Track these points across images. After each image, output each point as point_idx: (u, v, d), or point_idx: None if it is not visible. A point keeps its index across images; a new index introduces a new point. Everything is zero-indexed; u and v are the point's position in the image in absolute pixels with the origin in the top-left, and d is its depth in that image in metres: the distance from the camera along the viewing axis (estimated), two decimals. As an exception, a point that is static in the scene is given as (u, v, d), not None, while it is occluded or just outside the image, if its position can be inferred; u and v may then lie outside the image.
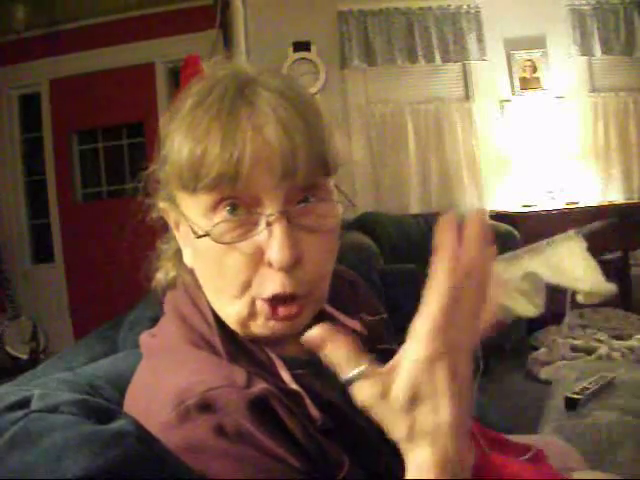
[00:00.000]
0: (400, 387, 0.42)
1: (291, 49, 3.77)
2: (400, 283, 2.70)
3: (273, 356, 0.57)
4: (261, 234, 0.53)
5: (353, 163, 3.86)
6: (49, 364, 0.93)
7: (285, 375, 0.56)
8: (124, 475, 0.37)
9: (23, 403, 0.40)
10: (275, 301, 0.54)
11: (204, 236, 0.53)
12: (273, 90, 0.54)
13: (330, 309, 0.68)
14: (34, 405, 0.40)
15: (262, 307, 0.55)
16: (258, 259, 0.53)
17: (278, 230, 0.52)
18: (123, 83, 4.12)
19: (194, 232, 0.54)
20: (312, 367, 0.61)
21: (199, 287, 0.60)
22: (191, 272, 0.61)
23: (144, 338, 0.63)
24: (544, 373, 2.68)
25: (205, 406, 0.49)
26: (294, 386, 0.54)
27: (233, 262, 0.53)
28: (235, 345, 0.57)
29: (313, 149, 0.53)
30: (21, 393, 0.41)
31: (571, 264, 0.59)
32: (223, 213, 0.53)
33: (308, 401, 0.54)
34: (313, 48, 3.79)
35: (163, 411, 0.49)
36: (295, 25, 3.78)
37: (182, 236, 0.60)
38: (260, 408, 0.49)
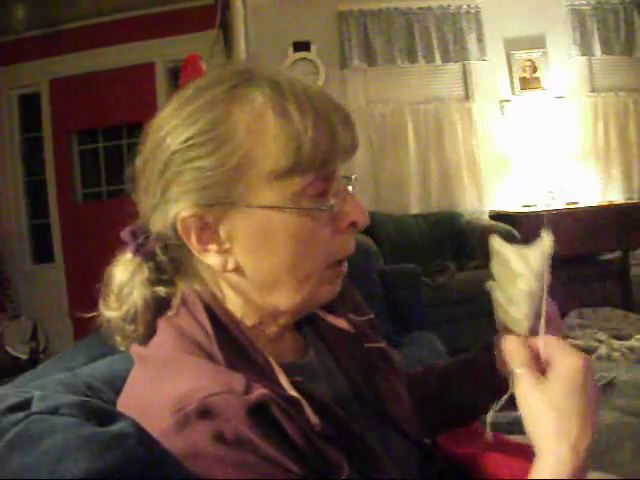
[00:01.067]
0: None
1: (291, 49, 3.77)
2: (400, 283, 2.70)
3: (272, 362, 0.57)
4: (338, 204, 0.58)
5: (353, 163, 3.86)
6: (49, 364, 0.92)
7: (284, 381, 0.56)
8: (124, 477, 0.37)
9: (23, 405, 0.40)
10: (338, 264, 0.61)
11: (327, 210, 0.57)
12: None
13: (318, 310, 0.68)
14: (35, 407, 0.40)
15: (330, 273, 0.60)
16: (337, 227, 0.59)
17: (351, 197, 0.60)
18: (123, 83, 4.12)
19: (304, 210, 0.56)
20: (307, 371, 0.61)
21: (203, 297, 0.59)
22: (201, 280, 0.60)
23: (134, 347, 0.60)
24: (544, 373, 2.67)
25: (204, 412, 0.48)
26: (293, 393, 0.54)
27: (324, 235, 0.58)
28: (234, 352, 0.56)
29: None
30: (21, 395, 0.41)
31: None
32: (314, 192, 0.56)
33: (307, 407, 0.54)
34: (313, 48, 3.79)
35: (162, 418, 0.49)
36: (295, 25, 3.78)
37: (224, 239, 0.57)
38: (259, 414, 0.49)
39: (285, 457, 0.48)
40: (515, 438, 0.89)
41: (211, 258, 0.58)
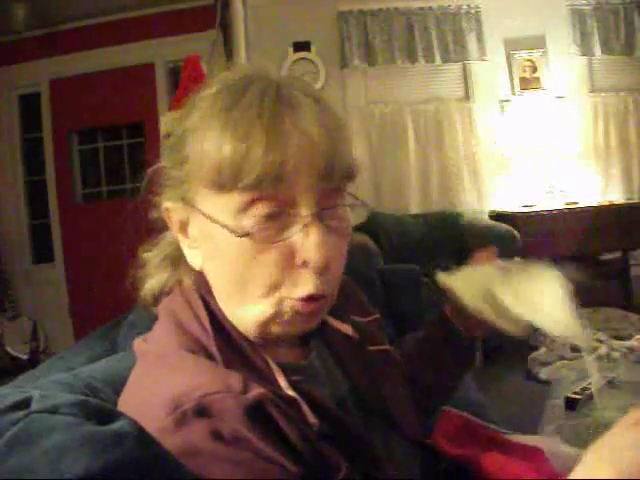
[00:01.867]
0: None
1: (291, 49, 3.77)
2: (400, 283, 2.70)
3: (270, 362, 0.57)
4: (296, 235, 0.53)
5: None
6: (49, 364, 0.92)
7: (282, 381, 0.56)
8: (124, 476, 0.37)
9: (23, 404, 0.40)
10: (302, 301, 0.55)
11: (244, 236, 0.53)
12: (309, 95, 0.56)
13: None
14: (34, 406, 0.40)
15: (291, 306, 0.55)
16: (290, 260, 0.54)
17: (315, 231, 0.53)
18: (123, 83, 4.12)
19: (233, 231, 0.53)
20: (308, 373, 0.61)
21: (201, 291, 0.60)
22: (194, 275, 0.61)
23: (138, 343, 0.62)
24: (544, 373, 2.67)
25: (201, 411, 0.48)
26: (291, 392, 0.54)
27: (266, 262, 0.53)
28: (232, 351, 0.56)
29: (345, 153, 0.56)
30: (21, 394, 0.41)
31: (546, 302, 0.58)
32: (257, 213, 0.53)
33: (305, 407, 0.54)
34: (313, 48, 3.79)
35: (159, 416, 0.49)
36: (295, 25, 3.78)
37: (192, 237, 0.59)
38: (257, 413, 0.49)
39: (282, 455, 0.48)
40: (515, 438, 0.89)
41: (187, 252, 0.60)
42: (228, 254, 0.55)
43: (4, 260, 4.21)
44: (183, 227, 0.60)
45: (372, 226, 3.42)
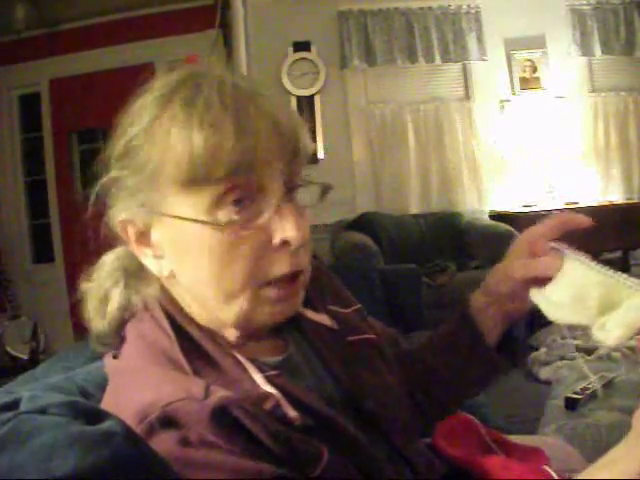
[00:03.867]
0: None
1: (291, 49, 3.77)
2: (400, 283, 2.70)
3: (244, 360, 0.57)
4: (271, 219, 0.54)
5: (353, 163, 3.86)
6: (49, 364, 0.92)
7: (258, 378, 0.55)
8: (113, 474, 0.37)
9: (12, 405, 0.41)
10: (282, 282, 0.56)
11: (224, 228, 0.53)
12: (258, 87, 0.57)
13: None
14: (23, 406, 0.40)
15: (269, 293, 0.56)
16: (267, 244, 0.55)
17: (289, 212, 0.55)
18: (123, 83, 4.10)
19: (213, 224, 0.53)
20: (287, 367, 0.61)
21: (162, 301, 0.60)
22: (156, 285, 0.60)
23: (107, 360, 0.61)
24: (544, 373, 2.67)
25: (167, 420, 0.49)
26: (267, 388, 0.54)
27: (244, 251, 0.54)
28: (199, 356, 0.56)
29: (307, 135, 0.58)
30: (10, 396, 0.41)
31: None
32: (231, 203, 0.53)
33: (284, 401, 0.54)
34: (313, 48, 3.79)
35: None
36: (295, 25, 3.78)
37: (156, 245, 0.58)
38: (222, 417, 0.49)
39: (253, 455, 0.48)
40: (515, 438, 0.89)
41: (149, 262, 0.59)
42: (204, 252, 0.54)
43: (4, 260, 4.21)
44: (142, 237, 0.58)
45: (372, 226, 3.42)
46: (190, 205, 0.54)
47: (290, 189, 0.57)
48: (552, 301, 0.59)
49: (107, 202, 0.60)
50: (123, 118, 0.59)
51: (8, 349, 3.92)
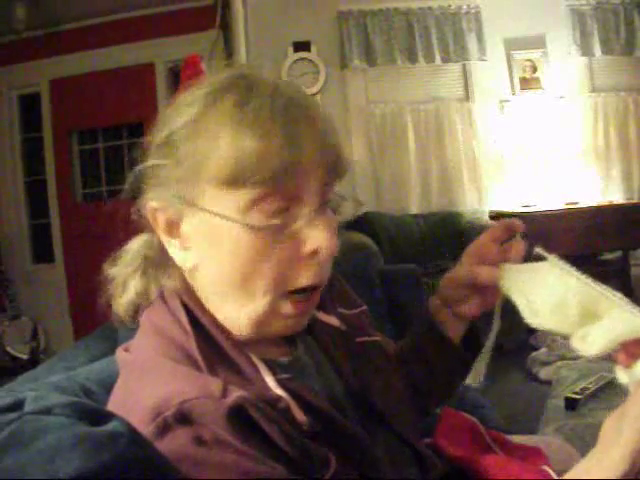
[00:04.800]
0: None
1: (291, 49, 3.77)
2: (400, 283, 2.70)
3: (257, 362, 0.57)
4: (303, 228, 0.56)
5: (353, 163, 3.86)
6: (49, 364, 0.92)
7: (270, 381, 0.55)
8: (117, 476, 0.37)
9: (16, 405, 0.40)
10: (302, 294, 0.57)
11: (257, 230, 0.54)
12: (309, 98, 0.60)
13: None
14: (27, 407, 0.40)
15: (286, 308, 0.57)
16: (295, 253, 0.56)
17: (322, 223, 0.56)
18: (123, 83, 4.12)
19: (250, 226, 0.54)
20: (296, 369, 0.61)
21: (181, 294, 0.60)
22: (176, 279, 0.61)
23: (119, 353, 0.61)
24: (544, 373, 2.67)
25: (182, 417, 0.48)
26: (278, 391, 0.54)
27: (273, 257, 0.55)
28: (215, 353, 0.56)
29: (345, 153, 0.60)
30: (14, 396, 0.41)
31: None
32: (267, 208, 0.54)
33: (293, 405, 0.54)
34: (313, 48, 3.79)
35: (141, 424, 0.48)
36: (295, 25, 3.78)
37: (184, 237, 0.58)
38: (238, 416, 0.49)
39: (267, 456, 0.48)
40: (515, 438, 0.89)
41: (175, 252, 0.59)
42: (233, 250, 0.55)
43: (4, 260, 4.21)
44: (172, 227, 0.59)
45: (372, 226, 3.42)
46: (226, 203, 0.55)
47: (324, 201, 0.58)
48: (533, 307, 0.60)
49: (142, 188, 0.60)
50: (169, 108, 0.59)
51: (8, 349, 3.92)
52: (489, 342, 0.71)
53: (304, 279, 0.57)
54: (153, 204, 0.58)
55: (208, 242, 0.57)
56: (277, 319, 0.58)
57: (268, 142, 0.53)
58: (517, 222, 0.69)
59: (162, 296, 0.61)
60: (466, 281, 0.70)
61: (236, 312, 0.57)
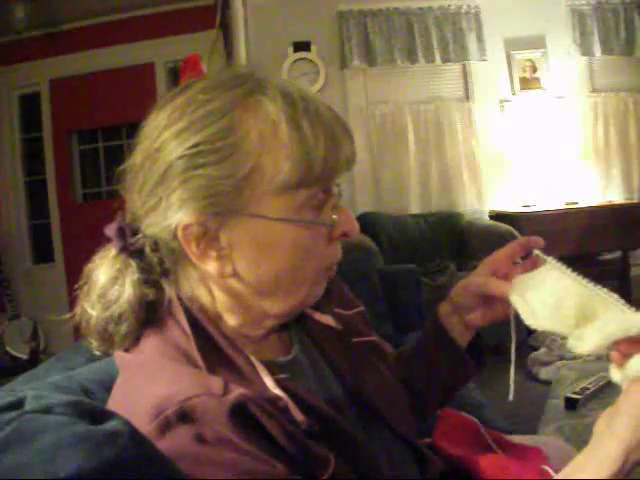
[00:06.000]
0: None
1: (291, 49, 3.77)
2: (400, 283, 2.70)
3: (255, 362, 0.58)
4: (332, 214, 0.61)
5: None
6: (49, 364, 0.92)
7: (268, 381, 0.56)
8: (117, 474, 0.37)
9: (16, 404, 0.40)
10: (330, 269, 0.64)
11: (323, 226, 0.59)
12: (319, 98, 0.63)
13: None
14: (28, 406, 0.40)
15: (321, 280, 0.64)
16: (330, 236, 0.61)
17: (344, 209, 0.63)
18: (123, 83, 4.12)
19: (320, 224, 0.59)
20: (294, 369, 0.62)
21: (192, 297, 0.60)
22: (184, 284, 0.60)
23: (118, 354, 0.61)
24: (544, 373, 2.67)
25: (184, 415, 0.49)
26: (277, 391, 0.55)
27: (320, 245, 0.60)
28: (214, 354, 0.57)
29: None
30: (14, 395, 0.41)
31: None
32: (316, 203, 0.59)
33: (292, 405, 0.54)
34: (313, 48, 3.79)
35: (143, 423, 0.48)
36: (295, 25, 3.77)
37: (225, 245, 0.57)
38: (239, 414, 0.49)
39: (268, 454, 0.49)
40: (515, 438, 0.89)
41: (209, 264, 0.57)
42: (289, 248, 0.58)
43: (4, 260, 4.21)
44: (206, 238, 0.57)
45: (372, 226, 3.42)
46: (280, 205, 0.56)
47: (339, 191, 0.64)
48: (531, 308, 0.60)
49: (162, 202, 0.56)
50: (181, 116, 0.56)
51: (8, 349, 3.93)
52: (512, 356, 0.74)
53: (335, 257, 0.63)
54: (186, 220, 0.55)
55: (256, 246, 0.57)
56: (311, 292, 0.62)
57: (325, 144, 0.56)
58: (535, 239, 0.72)
59: (169, 309, 0.60)
60: (477, 290, 0.73)
61: (281, 303, 0.60)
